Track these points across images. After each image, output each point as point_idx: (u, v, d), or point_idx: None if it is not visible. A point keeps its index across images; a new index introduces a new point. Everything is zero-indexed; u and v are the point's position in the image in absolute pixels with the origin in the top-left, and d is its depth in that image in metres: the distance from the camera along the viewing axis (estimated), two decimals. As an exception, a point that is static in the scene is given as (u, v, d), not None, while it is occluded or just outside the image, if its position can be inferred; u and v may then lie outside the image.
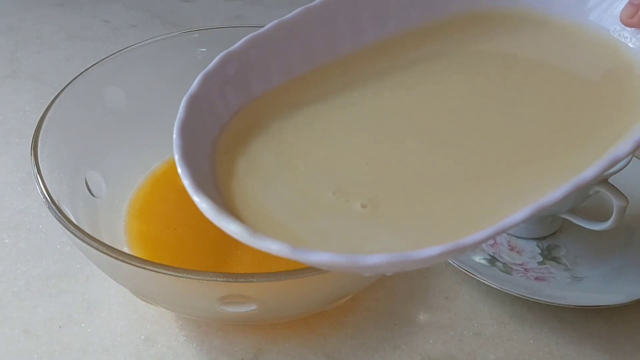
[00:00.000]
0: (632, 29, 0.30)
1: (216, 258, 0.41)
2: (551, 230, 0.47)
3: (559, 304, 0.41)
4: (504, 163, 0.25)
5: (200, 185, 0.23)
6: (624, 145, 0.23)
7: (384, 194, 0.23)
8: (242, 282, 0.30)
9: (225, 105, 0.27)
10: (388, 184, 0.24)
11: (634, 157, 0.42)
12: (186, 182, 0.23)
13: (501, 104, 0.28)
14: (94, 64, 0.44)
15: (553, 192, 0.22)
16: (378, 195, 0.23)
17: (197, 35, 0.49)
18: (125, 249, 0.41)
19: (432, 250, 0.20)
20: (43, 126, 0.38)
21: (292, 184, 0.24)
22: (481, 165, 0.25)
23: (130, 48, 0.45)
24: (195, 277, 0.30)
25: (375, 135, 0.27)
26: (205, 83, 0.27)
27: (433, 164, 0.25)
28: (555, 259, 0.45)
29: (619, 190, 0.41)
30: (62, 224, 0.32)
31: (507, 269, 0.44)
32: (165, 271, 0.30)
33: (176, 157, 0.24)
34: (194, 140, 0.25)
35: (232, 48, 0.27)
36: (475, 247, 0.22)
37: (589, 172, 0.22)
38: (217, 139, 0.27)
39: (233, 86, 0.27)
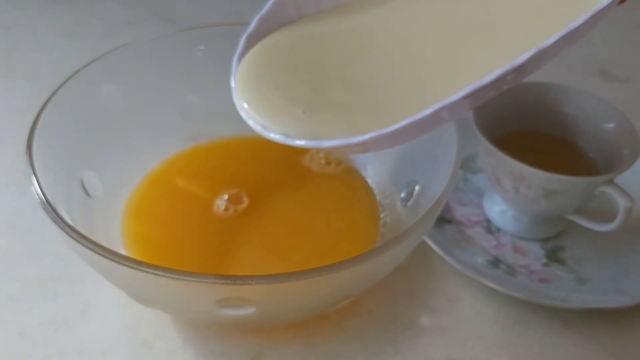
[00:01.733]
0: None
1: (214, 259, 0.41)
2: (556, 232, 0.47)
3: (564, 307, 0.40)
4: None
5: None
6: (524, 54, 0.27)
7: (320, 107, 0.32)
8: (241, 284, 0.30)
9: (275, 21, 0.36)
10: (327, 103, 0.32)
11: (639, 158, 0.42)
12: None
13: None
14: (90, 62, 0.43)
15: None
16: (315, 108, 0.32)
17: (195, 32, 0.48)
18: (122, 251, 0.40)
19: (331, 142, 0.29)
20: (38, 125, 0.37)
21: (262, 92, 0.33)
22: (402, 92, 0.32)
23: (126, 46, 0.45)
24: (192, 279, 0.29)
25: (336, 68, 0.34)
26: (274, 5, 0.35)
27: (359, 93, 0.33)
28: (560, 261, 0.45)
29: (624, 191, 0.41)
30: (57, 225, 0.32)
31: (511, 271, 0.44)
32: (162, 273, 0.29)
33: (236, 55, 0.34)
34: (249, 44, 0.35)
35: None
36: (370, 145, 0.30)
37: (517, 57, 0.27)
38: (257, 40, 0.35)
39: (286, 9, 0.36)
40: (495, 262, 0.44)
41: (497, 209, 0.47)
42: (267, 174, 0.47)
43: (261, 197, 0.45)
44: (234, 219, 0.43)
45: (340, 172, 0.48)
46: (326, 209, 0.45)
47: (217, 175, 0.47)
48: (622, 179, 0.41)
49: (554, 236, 0.47)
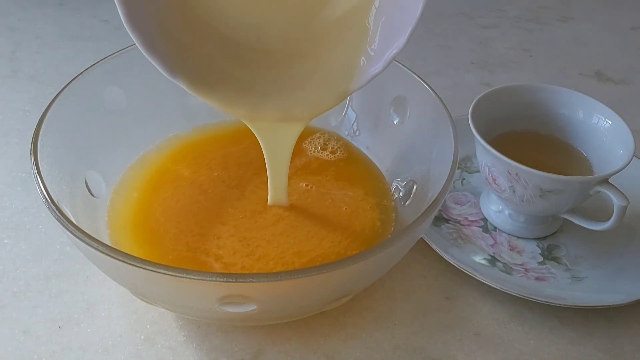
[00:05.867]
0: None
1: (218, 252, 0.41)
2: (551, 230, 0.47)
3: (560, 304, 0.41)
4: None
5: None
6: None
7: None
8: (242, 282, 0.30)
9: None
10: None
11: (634, 157, 0.42)
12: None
13: None
14: (94, 64, 0.44)
15: None
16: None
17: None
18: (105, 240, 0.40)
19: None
20: (43, 126, 0.38)
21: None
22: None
23: (130, 48, 0.45)
24: (195, 277, 0.30)
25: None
26: None
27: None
28: (555, 259, 0.45)
29: (619, 190, 0.41)
30: (61, 224, 0.32)
31: (508, 269, 0.44)
32: (164, 271, 0.29)
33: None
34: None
35: None
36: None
37: None
38: None
39: None
40: (492, 261, 0.45)
41: (494, 208, 0.48)
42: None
43: (260, 182, 0.45)
44: (234, 205, 0.44)
45: (338, 160, 0.48)
46: (329, 196, 0.45)
47: (216, 162, 0.48)
48: (616, 178, 0.42)
49: (550, 235, 0.47)
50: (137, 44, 0.34)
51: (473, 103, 0.46)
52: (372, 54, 0.37)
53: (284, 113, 0.39)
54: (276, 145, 0.40)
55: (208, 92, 0.37)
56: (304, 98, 0.39)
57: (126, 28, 0.34)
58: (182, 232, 0.42)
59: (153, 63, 0.35)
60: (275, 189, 0.43)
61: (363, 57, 0.37)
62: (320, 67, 0.39)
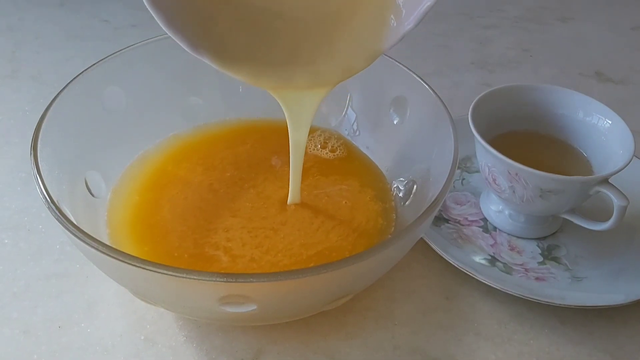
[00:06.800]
0: None
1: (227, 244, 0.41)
2: (552, 231, 0.47)
3: (560, 304, 0.41)
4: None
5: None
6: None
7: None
8: (242, 282, 0.30)
9: None
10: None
11: (634, 157, 0.42)
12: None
13: None
14: (94, 64, 0.44)
15: None
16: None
17: (197, 35, 0.49)
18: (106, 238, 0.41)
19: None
20: (43, 126, 0.38)
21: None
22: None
23: (130, 48, 0.46)
24: (195, 277, 0.30)
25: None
26: None
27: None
28: (555, 259, 0.45)
29: (619, 190, 0.41)
30: (61, 224, 0.32)
31: (508, 269, 0.44)
32: (164, 271, 0.29)
33: None
34: None
35: None
36: None
37: None
38: None
39: None
40: (492, 261, 0.45)
41: (494, 208, 0.48)
42: (265, 155, 0.49)
43: (262, 179, 0.46)
44: (237, 202, 0.44)
45: (336, 158, 0.49)
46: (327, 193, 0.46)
47: (217, 161, 0.48)
48: (616, 178, 0.42)
49: (550, 235, 0.47)
50: (160, 22, 0.34)
51: (473, 103, 0.46)
52: (403, 10, 0.36)
53: (313, 80, 0.37)
54: (300, 112, 0.39)
55: (234, 66, 0.36)
56: (334, 63, 0.37)
57: (147, 6, 0.33)
58: (189, 228, 0.42)
59: (176, 40, 0.34)
60: (296, 160, 0.41)
61: (393, 14, 0.36)
62: (350, 28, 0.37)
